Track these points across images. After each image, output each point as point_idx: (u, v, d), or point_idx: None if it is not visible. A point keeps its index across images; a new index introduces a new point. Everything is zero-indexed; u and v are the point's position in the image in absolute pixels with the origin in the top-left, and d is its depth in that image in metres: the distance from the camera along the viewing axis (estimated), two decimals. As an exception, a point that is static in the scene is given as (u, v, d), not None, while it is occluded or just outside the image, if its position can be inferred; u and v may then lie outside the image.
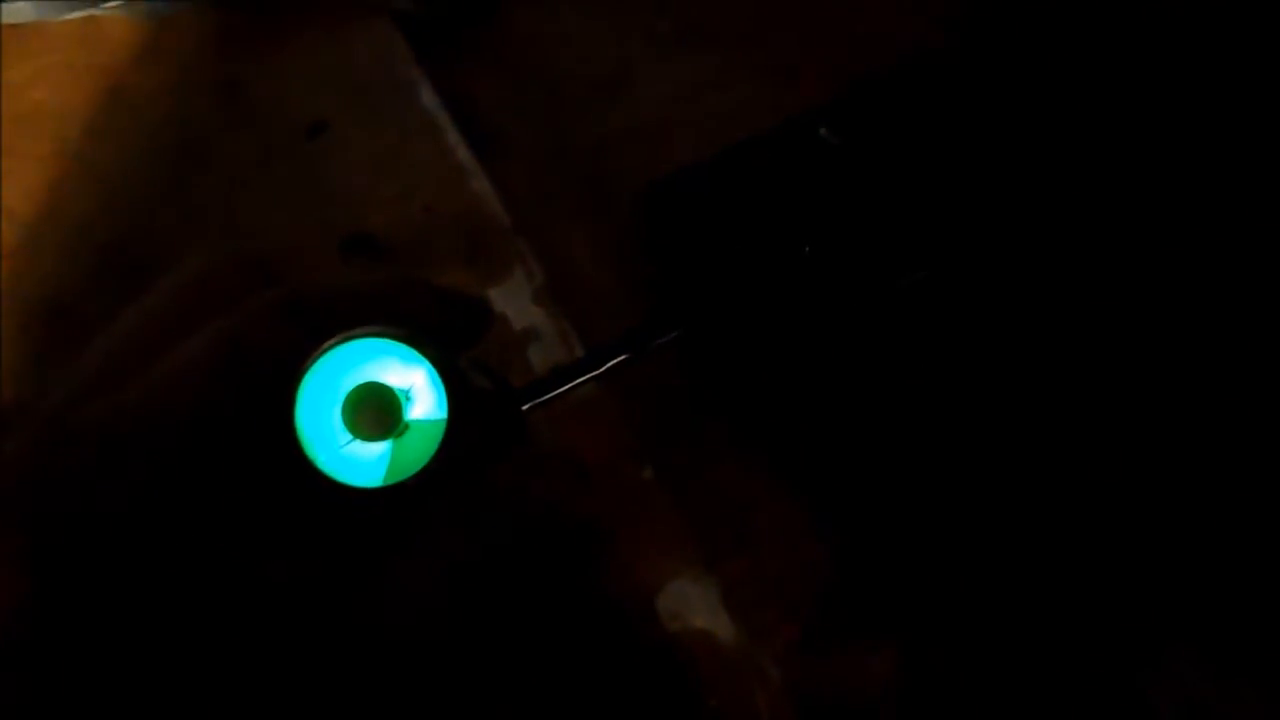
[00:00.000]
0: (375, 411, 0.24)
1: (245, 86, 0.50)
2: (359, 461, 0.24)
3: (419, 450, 0.24)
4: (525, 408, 0.38)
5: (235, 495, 0.24)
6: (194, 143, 0.49)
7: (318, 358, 0.23)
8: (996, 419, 0.42)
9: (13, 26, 0.50)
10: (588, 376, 0.41)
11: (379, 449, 0.24)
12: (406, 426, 0.24)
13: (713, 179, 0.43)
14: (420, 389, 0.24)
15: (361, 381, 0.24)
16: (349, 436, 0.24)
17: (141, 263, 0.45)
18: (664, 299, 0.43)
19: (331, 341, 0.23)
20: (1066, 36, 0.44)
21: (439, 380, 0.24)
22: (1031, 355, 0.42)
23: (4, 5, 0.50)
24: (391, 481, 0.24)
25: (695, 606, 0.42)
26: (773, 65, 0.49)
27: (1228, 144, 0.42)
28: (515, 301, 0.46)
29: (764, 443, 0.43)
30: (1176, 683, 0.40)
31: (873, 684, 0.41)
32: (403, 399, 0.24)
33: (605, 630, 0.41)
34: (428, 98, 0.49)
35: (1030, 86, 0.42)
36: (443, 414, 0.24)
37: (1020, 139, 0.41)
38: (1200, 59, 0.42)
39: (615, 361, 0.41)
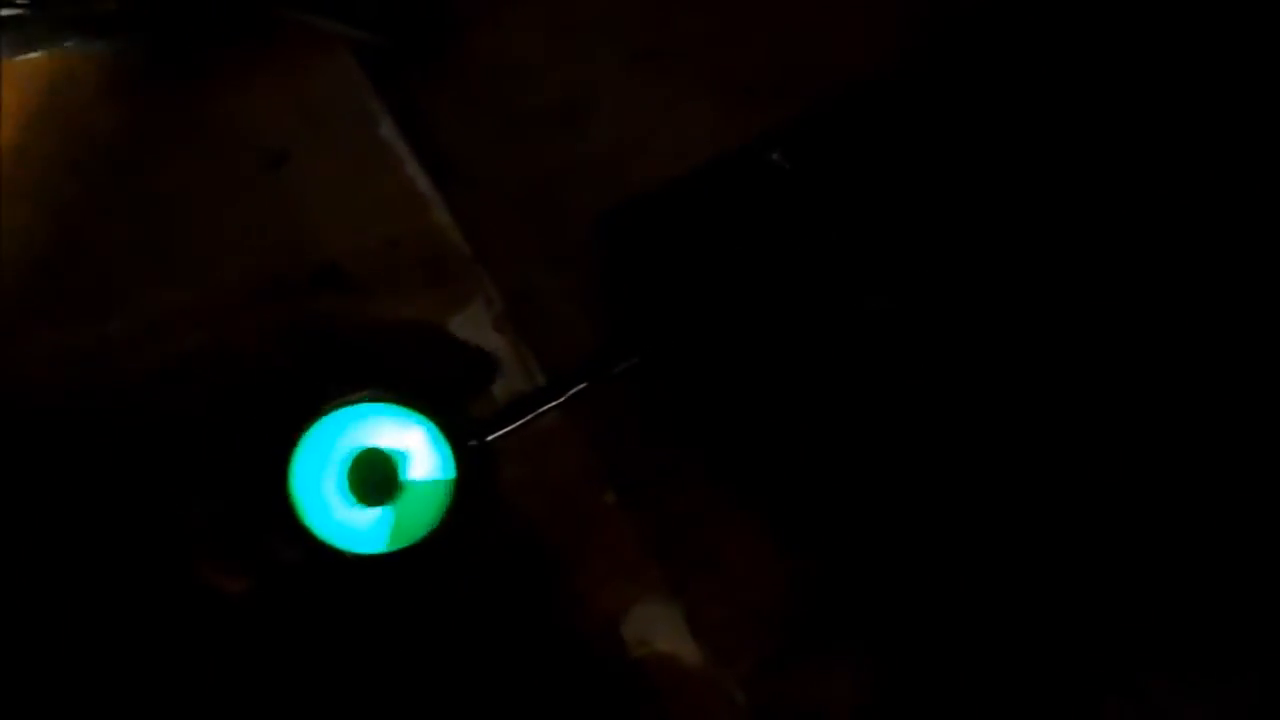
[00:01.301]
0: (378, 478, 0.24)
1: (205, 120, 0.50)
2: (354, 526, 0.23)
3: (418, 511, 0.24)
4: (489, 438, 0.38)
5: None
6: (154, 177, 0.49)
7: (314, 421, 0.23)
8: (956, 446, 0.43)
9: (-29, 64, 0.50)
10: (550, 405, 0.41)
11: (376, 513, 0.24)
12: (404, 489, 0.24)
13: (668, 205, 0.43)
14: (418, 449, 0.24)
15: (360, 447, 0.24)
16: (350, 502, 0.24)
17: (80, 290, 0.45)
18: (623, 325, 0.43)
19: (328, 405, 0.23)
20: (1019, 64, 0.44)
21: (443, 442, 0.24)
22: (991, 380, 0.43)
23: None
24: (396, 547, 0.23)
25: (660, 631, 0.42)
26: (730, 86, 0.49)
27: (1179, 171, 0.42)
28: (476, 329, 0.46)
29: (728, 468, 0.43)
30: (1138, 698, 0.41)
31: (837, 705, 0.41)
32: (400, 462, 0.24)
33: (570, 658, 0.41)
34: (387, 129, 0.49)
35: (982, 113, 0.43)
36: (448, 475, 0.24)
37: (971, 164, 0.42)
38: (1145, 91, 0.43)
39: (576, 389, 0.41)
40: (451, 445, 0.24)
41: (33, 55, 0.52)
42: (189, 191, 0.48)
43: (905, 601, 0.42)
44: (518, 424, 0.37)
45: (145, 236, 0.48)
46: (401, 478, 0.24)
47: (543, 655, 0.42)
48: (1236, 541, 0.42)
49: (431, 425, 0.24)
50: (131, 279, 0.47)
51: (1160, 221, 0.42)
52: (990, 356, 0.43)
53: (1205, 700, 0.40)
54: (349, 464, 0.24)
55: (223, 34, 0.50)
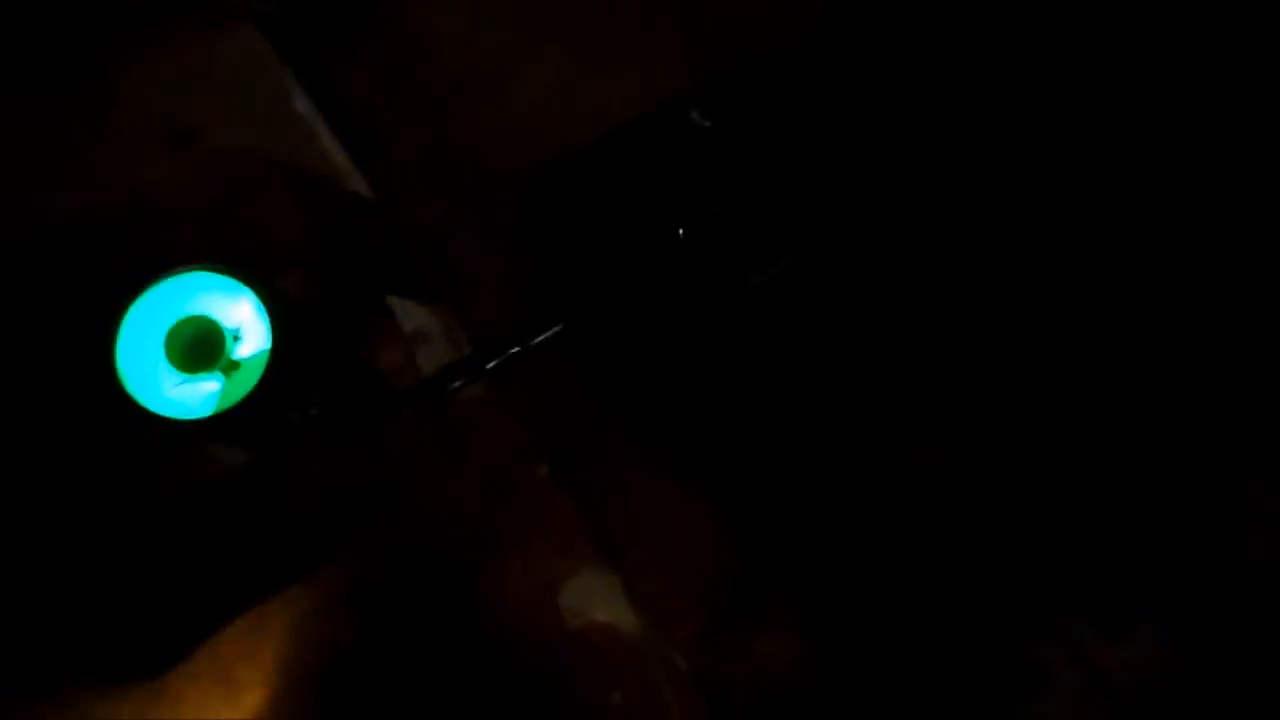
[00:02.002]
0: (200, 344, 0.23)
1: (109, 98, 0.48)
2: (188, 404, 0.23)
3: (247, 382, 0.23)
4: (410, 409, 0.37)
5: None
6: (59, 158, 0.47)
7: (140, 293, 0.23)
8: (883, 401, 0.43)
9: None
10: (473, 375, 0.41)
11: (209, 389, 0.24)
12: (236, 365, 0.24)
13: (588, 168, 0.42)
14: (249, 325, 0.24)
15: (183, 316, 0.24)
16: (178, 376, 0.23)
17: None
18: (547, 292, 0.42)
19: (155, 276, 0.23)
20: (938, 24, 0.44)
21: (264, 310, 0.24)
22: (920, 334, 0.43)
23: None
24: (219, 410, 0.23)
25: (597, 601, 0.41)
26: (648, 53, 0.48)
27: (1089, 124, 0.43)
28: (400, 303, 0.45)
29: (660, 436, 0.43)
30: (1073, 651, 0.41)
31: (777, 667, 0.41)
32: (230, 337, 0.24)
33: (506, 632, 0.40)
34: (300, 102, 0.48)
35: (898, 71, 0.42)
36: (269, 345, 0.23)
37: (887, 123, 0.42)
38: (1064, 47, 0.43)
39: (504, 356, 0.41)
40: (270, 315, 0.24)
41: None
42: (95, 173, 0.46)
43: (838, 558, 0.42)
44: (444, 393, 0.36)
45: (45, 220, 0.46)
46: (229, 348, 0.24)
47: (479, 630, 0.41)
48: (1160, 488, 0.42)
49: (253, 294, 0.24)
50: (15, 261, 0.45)
51: (1069, 168, 0.42)
52: (914, 307, 0.43)
53: (1126, 642, 0.40)
54: (172, 332, 0.24)
55: (118, 15, 0.48)
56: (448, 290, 0.45)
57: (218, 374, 0.24)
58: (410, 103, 0.49)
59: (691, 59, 0.45)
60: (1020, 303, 0.42)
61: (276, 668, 0.40)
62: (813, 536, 0.42)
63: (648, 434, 0.42)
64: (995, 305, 0.42)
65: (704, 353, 0.42)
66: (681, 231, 0.38)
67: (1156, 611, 0.41)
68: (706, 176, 0.39)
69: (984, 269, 0.42)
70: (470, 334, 0.43)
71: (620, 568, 0.42)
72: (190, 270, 0.23)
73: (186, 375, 0.24)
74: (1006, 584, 0.41)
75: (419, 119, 0.48)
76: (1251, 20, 0.41)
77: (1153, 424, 0.42)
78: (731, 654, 0.41)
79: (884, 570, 0.42)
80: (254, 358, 0.24)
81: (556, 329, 0.39)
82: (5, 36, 0.47)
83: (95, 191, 0.45)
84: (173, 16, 0.48)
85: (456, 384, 0.38)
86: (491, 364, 0.39)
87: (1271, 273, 0.42)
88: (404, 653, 0.40)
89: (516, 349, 0.39)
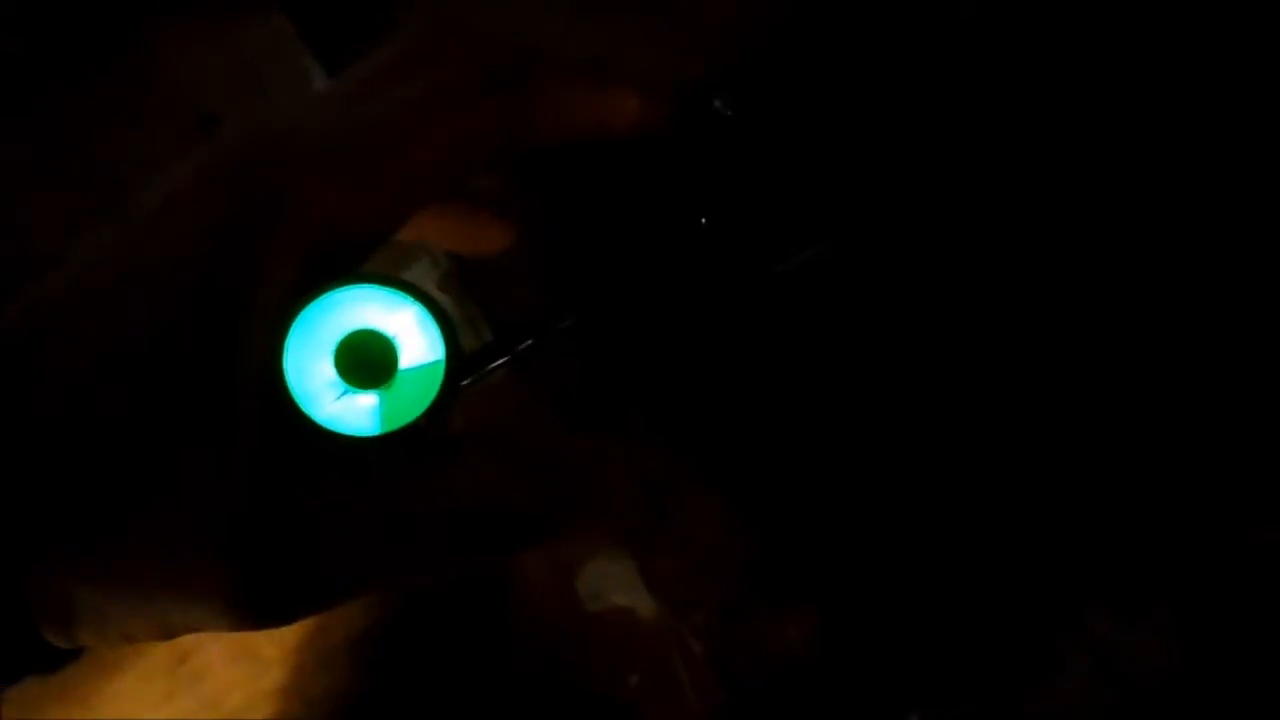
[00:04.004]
0: (374, 358, 0.22)
1: (132, 82, 0.48)
2: (349, 420, 0.22)
3: (410, 400, 0.22)
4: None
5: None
6: (80, 142, 0.47)
7: (304, 305, 0.21)
8: (908, 389, 0.43)
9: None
10: (499, 361, 0.41)
11: (368, 404, 0.23)
12: (395, 379, 0.23)
13: (607, 155, 0.42)
14: (407, 336, 0.23)
15: (353, 329, 0.22)
16: (340, 388, 0.22)
17: (14, 269, 0.43)
18: (565, 281, 0.43)
19: (317, 288, 0.22)
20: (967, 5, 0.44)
21: (432, 321, 0.23)
22: (938, 323, 0.43)
23: None
24: (389, 429, 0.22)
25: (615, 585, 0.42)
26: (673, 36, 0.48)
27: (1114, 115, 0.42)
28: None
29: (678, 420, 0.43)
30: (1086, 638, 0.41)
31: (793, 651, 0.42)
32: (394, 344, 0.23)
33: (525, 613, 0.41)
34: (321, 85, 0.48)
35: (928, 56, 0.42)
36: (438, 356, 0.22)
37: (917, 108, 0.42)
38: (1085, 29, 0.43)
39: (526, 344, 0.41)
40: (440, 326, 0.23)
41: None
42: (113, 156, 0.46)
43: (858, 546, 0.42)
44: (471, 380, 0.37)
45: (73, 204, 0.47)
46: (396, 360, 0.23)
47: (499, 611, 0.42)
48: (1176, 476, 0.42)
49: (421, 305, 0.23)
50: (44, 249, 0.45)
51: (1083, 160, 0.42)
52: (939, 301, 0.43)
53: (1139, 630, 0.41)
54: (344, 344, 0.23)
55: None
56: (468, 276, 0.45)
57: (378, 390, 0.23)
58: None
59: (718, 45, 0.45)
60: (1036, 292, 0.42)
61: (299, 644, 0.40)
62: (830, 524, 0.42)
63: (672, 423, 0.43)
64: (1012, 293, 0.42)
65: (725, 340, 0.42)
66: (704, 221, 0.38)
67: (1170, 600, 0.42)
68: (729, 166, 0.39)
69: (1003, 258, 0.42)
70: (491, 323, 0.44)
71: (638, 553, 0.42)
72: (353, 282, 0.23)
73: (353, 390, 0.23)
74: (1021, 572, 0.42)
75: (440, 103, 0.48)
76: (1252, 16, 0.41)
77: (1168, 411, 0.42)
78: (748, 639, 0.42)
79: (899, 558, 0.42)
80: (414, 370, 0.23)
81: (575, 318, 0.39)
82: (34, 23, 0.48)
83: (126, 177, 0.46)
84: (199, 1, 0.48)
85: (484, 370, 0.38)
86: (517, 349, 0.39)
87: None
88: (424, 632, 0.41)
89: (539, 337, 0.39)
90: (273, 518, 0.20)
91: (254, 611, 0.21)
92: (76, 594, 0.20)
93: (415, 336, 0.23)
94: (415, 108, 0.23)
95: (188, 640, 0.40)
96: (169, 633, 0.22)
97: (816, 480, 0.42)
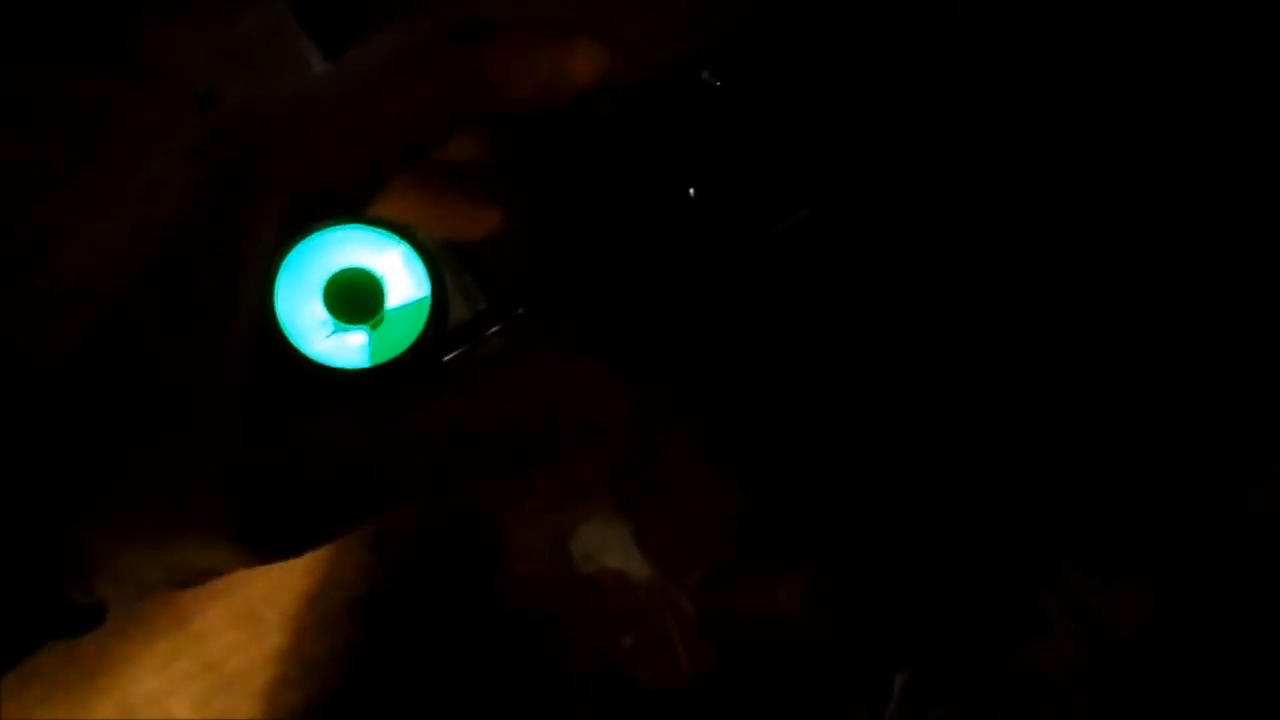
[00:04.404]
0: (362, 296, 0.23)
1: (133, 63, 0.49)
2: (340, 357, 0.23)
3: (399, 338, 0.23)
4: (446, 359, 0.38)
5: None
6: (82, 124, 0.48)
7: (293, 245, 0.22)
8: (894, 355, 0.44)
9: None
10: (490, 331, 0.41)
11: (357, 341, 0.23)
12: (383, 317, 0.24)
13: (597, 127, 0.43)
14: (394, 274, 0.24)
15: (341, 268, 0.23)
16: (329, 325, 0.23)
17: (21, 252, 0.44)
18: (555, 252, 0.43)
19: (307, 228, 0.22)
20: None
21: (418, 259, 0.23)
22: (925, 288, 0.44)
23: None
24: (378, 362, 0.23)
25: (608, 547, 0.43)
26: (664, 6, 0.49)
27: (1100, 89, 0.44)
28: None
29: (670, 387, 0.44)
30: (1069, 597, 0.42)
31: (782, 612, 0.42)
32: (381, 282, 0.23)
33: (520, 575, 0.42)
34: (319, 68, 0.49)
35: (918, 22, 0.43)
36: (424, 293, 0.23)
37: (908, 77, 0.43)
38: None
39: (519, 311, 0.42)
40: (426, 263, 0.24)
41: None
42: (115, 137, 0.47)
43: (847, 510, 0.43)
44: (466, 346, 0.37)
45: (76, 188, 0.48)
46: (383, 297, 0.24)
47: (495, 573, 0.42)
48: (1160, 438, 0.43)
49: (407, 244, 0.24)
50: (54, 235, 0.46)
51: (1074, 139, 0.43)
52: (923, 269, 0.44)
53: (1121, 591, 0.42)
54: (333, 282, 0.23)
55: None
56: (461, 247, 0.46)
57: (366, 327, 0.24)
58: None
59: (703, 20, 0.46)
60: (1021, 261, 0.43)
61: (298, 608, 0.41)
62: (819, 488, 0.43)
63: (664, 389, 0.44)
64: (997, 262, 0.43)
65: (716, 306, 0.43)
66: (692, 192, 0.39)
67: (1153, 561, 0.43)
68: (718, 136, 0.40)
69: (989, 230, 0.43)
70: (486, 292, 0.45)
71: (632, 516, 0.43)
72: (341, 223, 0.23)
73: (343, 327, 0.23)
74: (1005, 534, 0.43)
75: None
76: (1252, 16, 0.42)
77: (1152, 375, 0.43)
78: (738, 602, 0.43)
79: (887, 521, 0.43)
80: (401, 309, 0.24)
81: (567, 290, 0.40)
82: (37, 10, 0.49)
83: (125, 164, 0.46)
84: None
85: (478, 338, 0.38)
86: (508, 319, 0.40)
87: None
88: (420, 594, 0.42)
89: (532, 306, 0.39)
90: (270, 446, 0.21)
91: (259, 543, 0.22)
92: (90, 544, 0.21)
93: (402, 275, 0.24)
94: (383, 60, 0.24)
95: (189, 604, 0.41)
96: (183, 579, 0.23)
97: (806, 445, 0.43)
